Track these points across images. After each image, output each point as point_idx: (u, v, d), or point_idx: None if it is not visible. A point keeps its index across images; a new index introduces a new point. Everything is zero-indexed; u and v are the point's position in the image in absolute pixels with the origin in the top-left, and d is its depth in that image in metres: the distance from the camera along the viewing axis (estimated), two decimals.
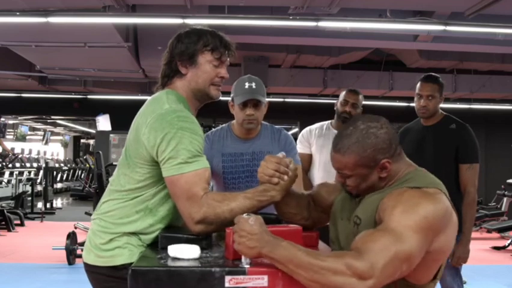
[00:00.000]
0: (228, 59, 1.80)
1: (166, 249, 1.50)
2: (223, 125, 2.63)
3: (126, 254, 1.68)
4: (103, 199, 1.80)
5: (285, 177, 1.62)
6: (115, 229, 1.70)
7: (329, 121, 3.43)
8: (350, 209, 1.58)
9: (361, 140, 1.48)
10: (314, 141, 3.36)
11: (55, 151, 21.49)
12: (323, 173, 3.29)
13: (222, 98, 1.88)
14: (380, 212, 1.43)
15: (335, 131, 3.35)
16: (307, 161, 3.33)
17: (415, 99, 3.04)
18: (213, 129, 2.71)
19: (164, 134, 1.60)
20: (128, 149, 1.73)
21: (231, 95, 2.48)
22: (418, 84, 3.03)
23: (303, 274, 1.30)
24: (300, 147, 3.24)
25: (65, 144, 23.60)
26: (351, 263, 1.28)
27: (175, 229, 1.72)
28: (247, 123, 2.44)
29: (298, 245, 1.36)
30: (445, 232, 1.41)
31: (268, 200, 1.63)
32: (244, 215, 1.42)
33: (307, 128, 3.46)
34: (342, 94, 3.35)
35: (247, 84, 2.40)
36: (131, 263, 1.61)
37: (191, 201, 1.58)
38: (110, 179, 1.83)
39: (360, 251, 1.32)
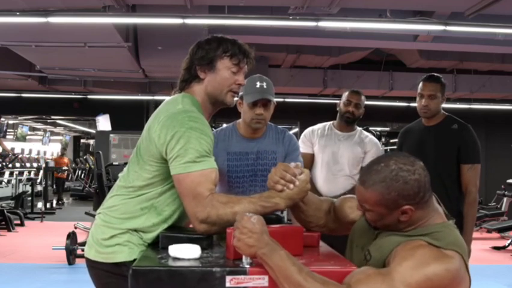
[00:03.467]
0: (246, 66, 1.84)
1: (166, 249, 1.50)
2: (228, 124, 2.63)
3: (126, 251, 1.69)
4: (109, 194, 1.83)
5: (291, 186, 1.61)
6: (118, 224, 1.71)
7: (331, 122, 3.45)
8: (367, 238, 1.56)
9: (388, 181, 1.42)
10: (316, 141, 3.38)
11: (55, 151, 21.47)
12: (325, 172, 3.30)
13: None
14: (391, 257, 1.41)
15: (337, 132, 3.37)
16: (309, 160, 3.35)
17: (417, 99, 3.04)
18: (217, 128, 2.72)
19: (174, 132, 1.62)
20: (140, 147, 1.76)
21: (240, 93, 2.48)
22: (420, 84, 3.03)
23: None
24: (302, 147, 3.25)
25: (65, 144, 23.58)
26: None
27: (176, 229, 1.72)
28: (256, 122, 2.45)
29: (296, 260, 1.35)
30: None
31: (272, 207, 1.62)
32: (247, 213, 1.42)
33: (310, 128, 3.47)
34: (345, 95, 3.36)
35: (258, 84, 2.41)
36: (131, 261, 1.63)
37: (196, 200, 1.59)
38: (120, 174, 1.86)
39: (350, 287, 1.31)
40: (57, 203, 12.75)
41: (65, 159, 14.04)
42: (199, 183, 1.59)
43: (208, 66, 1.78)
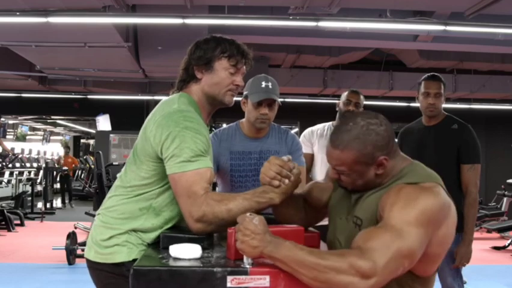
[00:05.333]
0: (244, 67, 1.83)
1: (167, 249, 1.50)
2: (231, 123, 2.63)
3: (125, 251, 1.69)
4: (108, 194, 1.83)
5: (286, 181, 1.61)
6: (117, 225, 1.72)
7: (331, 122, 3.47)
8: (347, 207, 1.58)
9: (361, 137, 1.46)
10: (316, 140, 3.40)
11: (55, 151, 21.48)
12: (325, 171, 3.32)
13: None
14: (380, 210, 1.43)
15: None
16: (310, 160, 3.38)
17: (420, 98, 3.02)
18: (217, 128, 2.73)
19: (170, 131, 1.63)
20: (136, 147, 1.77)
21: (245, 93, 2.48)
22: (423, 83, 3.00)
23: (306, 273, 1.30)
24: (303, 147, 3.27)
25: (64, 144, 23.57)
26: (354, 261, 1.28)
27: (176, 229, 1.73)
28: (260, 122, 2.45)
29: (301, 244, 1.35)
30: (445, 224, 1.41)
31: (267, 202, 1.62)
32: (248, 214, 1.41)
33: (309, 129, 3.50)
34: (344, 94, 3.39)
35: (263, 84, 2.42)
36: (130, 261, 1.64)
37: (191, 199, 1.59)
38: (118, 175, 1.86)
39: (362, 249, 1.32)
40: (66, 202, 12.77)
41: (69, 159, 13.95)
42: (194, 182, 1.60)
43: (206, 66, 1.78)
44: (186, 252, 1.44)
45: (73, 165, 13.54)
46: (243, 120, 2.57)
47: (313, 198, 1.75)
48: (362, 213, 1.50)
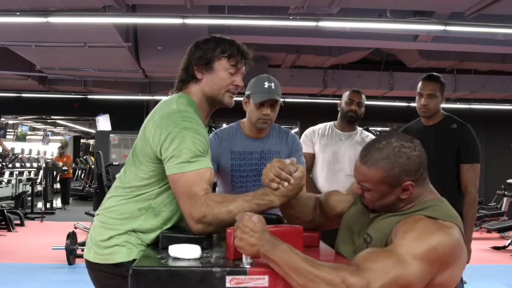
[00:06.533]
0: (244, 67, 1.83)
1: (167, 249, 1.50)
2: (232, 123, 2.63)
3: (124, 252, 1.69)
4: (107, 195, 1.83)
5: (286, 184, 1.60)
6: (116, 226, 1.72)
7: (332, 122, 3.47)
8: (362, 223, 1.57)
9: (392, 158, 1.45)
10: (317, 140, 3.40)
11: (55, 151, 21.49)
12: (326, 171, 3.32)
13: None
14: (392, 235, 1.42)
15: (339, 131, 3.38)
16: (311, 160, 3.38)
17: (416, 98, 3.05)
18: (217, 128, 2.73)
19: (168, 132, 1.63)
20: (136, 147, 1.77)
21: (247, 92, 2.49)
22: (420, 83, 3.04)
23: (297, 279, 1.30)
24: (304, 147, 3.28)
25: (65, 144, 23.55)
26: (347, 277, 1.28)
27: (176, 229, 1.73)
28: (262, 122, 2.46)
29: (298, 251, 1.35)
30: (452, 268, 1.39)
31: (267, 205, 1.62)
32: (247, 213, 1.41)
33: (310, 129, 3.50)
34: (346, 94, 3.39)
35: (266, 84, 2.42)
36: (130, 261, 1.64)
37: (192, 200, 1.59)
38: (117, 175, 1.85)
39: (359, 267, 1.31)
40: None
41: (64, 158, 13.87)
42: (194, 182, 1.60)
43: (206, 66, 1.78)
44: (185, 253, 1.44)
45: (67, 162, 13.36)
46: (244, 120, 2.58)
47: (327, 206, 1.74)
48: (373, 232, 1.49)
